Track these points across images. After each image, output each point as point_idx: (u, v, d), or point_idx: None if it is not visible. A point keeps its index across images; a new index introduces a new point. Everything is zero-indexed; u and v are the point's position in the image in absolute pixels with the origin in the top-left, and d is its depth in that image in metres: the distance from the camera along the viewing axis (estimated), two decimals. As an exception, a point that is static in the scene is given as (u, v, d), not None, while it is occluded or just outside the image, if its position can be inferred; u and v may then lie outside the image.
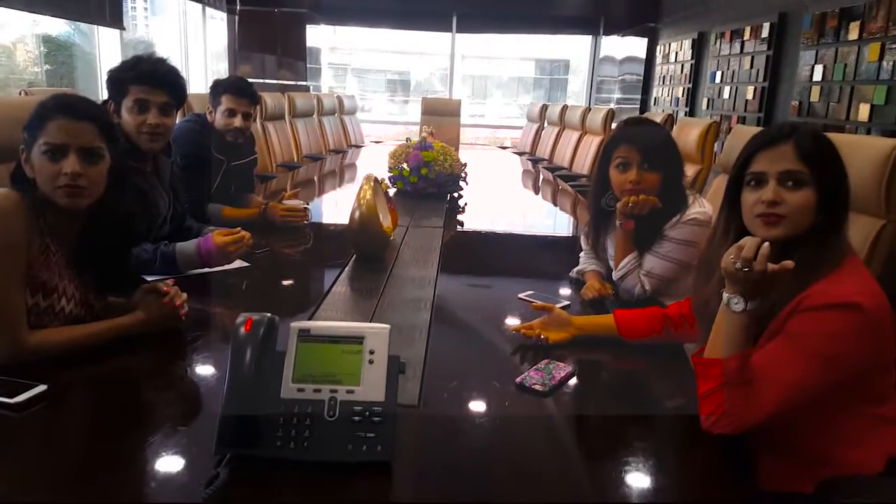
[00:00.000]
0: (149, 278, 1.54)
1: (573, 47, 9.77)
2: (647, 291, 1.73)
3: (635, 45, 7.48)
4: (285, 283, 2.02)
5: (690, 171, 2.83)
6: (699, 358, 1.12)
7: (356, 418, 0.96)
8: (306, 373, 0.99)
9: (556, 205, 3.84)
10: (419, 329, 1.47)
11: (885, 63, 3.15)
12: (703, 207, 1.74)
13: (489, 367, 1.37)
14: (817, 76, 3.75)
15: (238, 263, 1.91)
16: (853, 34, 3.41)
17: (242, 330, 0.97)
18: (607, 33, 8.30)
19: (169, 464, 0.96)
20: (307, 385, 0.98)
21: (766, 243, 1.04)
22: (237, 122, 2.42)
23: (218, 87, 2.46)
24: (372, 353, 1.00)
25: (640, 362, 1.43)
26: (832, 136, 1.22)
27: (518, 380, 1.24)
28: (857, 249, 1.61)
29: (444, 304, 1.66)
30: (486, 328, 1.57)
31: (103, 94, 1.88)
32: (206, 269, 1.81)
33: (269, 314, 0.99)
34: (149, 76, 1.79)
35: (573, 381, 1.27)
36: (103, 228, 1.33)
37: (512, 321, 1.55)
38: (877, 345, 1.09)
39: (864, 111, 3.29)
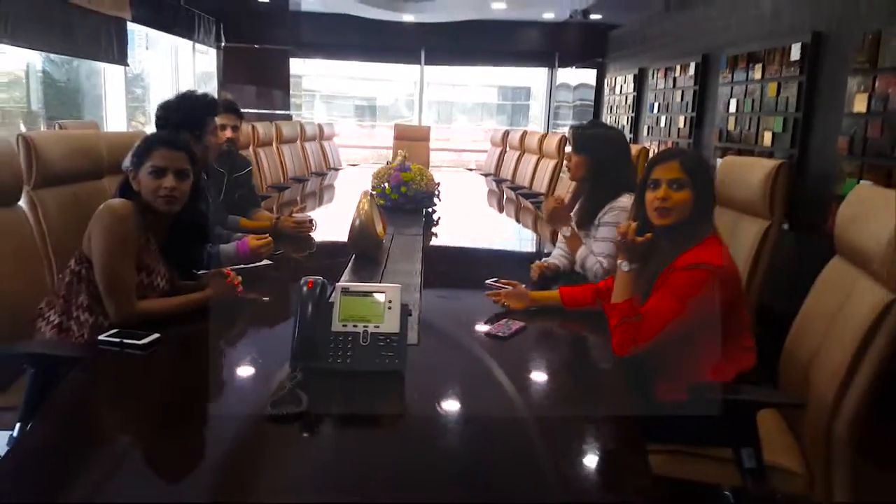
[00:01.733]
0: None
1: (534, 75, 10.42)
2: (606, 268, 2.17)
3: (587, 76, 8.23)
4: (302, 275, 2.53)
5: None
6: (607, 303, 1.69)
7: (380, 343, 1.48)
8: (347, 315, 1.51)
9: (516, 217, 4.42)
10: (412, 303, 1.99)
11: (780, 98, 3.85)
12: (624, 200, 2.23)
13: (466, 323, 1.91)
14: (732, 108, 4.45)
15: (264, 262, 2.43)
16: (757, 74, 4.12)
17: (306, 287, 1.49)
18: (562, 66, 9.03)
19: (254, 378, 1.47)
20: (348, 322, 1.50)
21: (633, 223, 1.63)
22: (228, 133, 2.91)
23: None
24: (390, 302, 1.53)
25: (574, 324, 1.98)
26: (737, 158, 1.81)
27: (486, 329, 1.78)
28: (750, 243, 2.18)
29: (429, 288, 2.20)
30: (462, 303, 2.12)
31: (107, 125, 2.42)
32: (243, 266, 2.33)
33: (321, 278, 1.51)
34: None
35: (524, 332, 1.82)
36: (186, 227, 1.86)
37: (480, 301, 2.07)
38: (722, 292, 1.66)
39: (767, 137, 3.96)
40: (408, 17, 7.82)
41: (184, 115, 2.29)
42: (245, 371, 1.57)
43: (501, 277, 2.24)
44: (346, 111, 13.56)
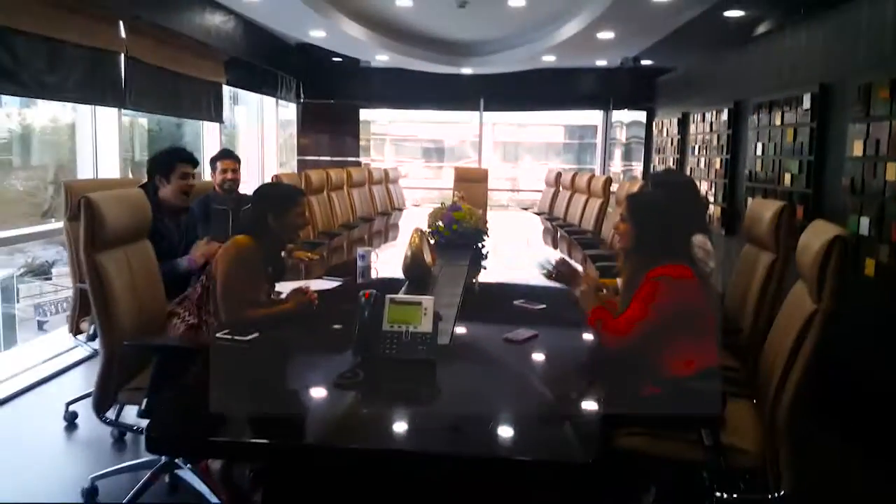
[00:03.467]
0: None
1: (599, 114, 10.70)
2: None
3: (639, 117, 8.67)
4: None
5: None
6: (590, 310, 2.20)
7: (418, 339, 2.01)
8: (394, 318, 2.05)
9: (557, 250, 4.88)
10: (452, 314, 2.52)
11: (796, 143, 4.22)
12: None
13: (492, 331, 2.42)
14: (759, 151, 4.82)
15: (334, 283, 3.02)
16: (777, 120, 4.49)
17: (363, 298, 2.05)
18: (616, 108, 9.48)
19: (328, 363, 2.04)
20: (395, 324, 2.04)
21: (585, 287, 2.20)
22: (228, 176, 3.67)
23: (213, 158, 3.78)
24: (426, 310, 2.06)
25: (578, 336, 2.44)
26: (758, 200, 2.27)
27: (505, 335, 2.29)
28: (760, 273, 2.51)
29: (467, 306, 2.72)
30: (492, 317, 2.64)
31: (205, 173, 3.19)
32: (320, 287, 2.92)
33: (376, 290, 2.07)
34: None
35: (536, 339, 2.31)
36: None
37: (508, 328, 2.44)
38: (680, 297, 2.10)
39: (787, 178, 4.31)
40: (466, 70, 8.52)
41: (154, 162, 3.08)
42: (321, 357, 2.14)
43: (528, 300, 2.73)
44: (415, 153, 14.25)
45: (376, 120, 12.02)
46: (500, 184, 12.98)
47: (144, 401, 2.17)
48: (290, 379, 2.03)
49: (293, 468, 1.66)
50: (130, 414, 2.67)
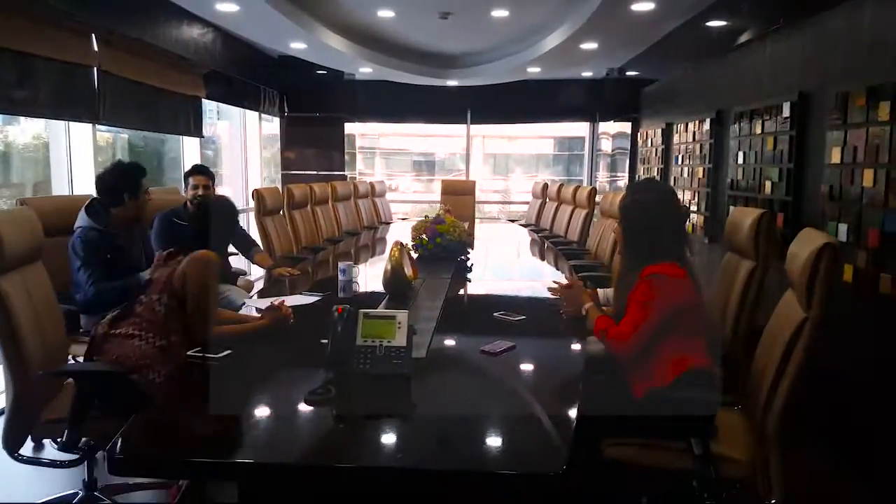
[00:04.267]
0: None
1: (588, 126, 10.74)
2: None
3: (624, 128, 8.70)
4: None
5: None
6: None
7: (392, 353, 1.96)
8: (367, 333, 1.99)
9: (540, 261, 4.85)
10: (430, 328, 2.47)
11: (776, 151, 4.22)
12: None
13: (469, 344, 2.37)
14: (740, 160, 4.82)
15: (313, 298, 2.96)
16: (758, 129, 4.49)
17: (336, 312, 1.99)
18: (602, 120, 9.52)
19: (297, 377, 1.97)
20: (369, 338, 1.98)
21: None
22: (200, 191, 3.60)
23: (186, 174, 3.74)
24: (399, 323, 2.01)
25: (554, 348, 2.40)
26: (739, 209, 2.26)
27: (481, 347, 2.23)
28: (741, 280, 2.49)
29: (446, 319, 2.67)
30: (471, 330, 2.58)
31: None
32: (298, 302, 2.86)
33: (349, 305, 2.02)
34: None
35: (512, 351, 2.26)
36: None
37: (486, 339, 2.50)
38: (674, 294, 2.07)
39: (768, 186, 4.30)
40: (452, 82, 8.52)
41: (119, 180, 3.04)
42: (292, 373, 2.07)
43: (508, 311, 2.69)
44: (406, 167, 14.28)
45: (366, 133, 12.03)
46: (490, 196, 13.04)
47: (66, 432, 2.06)
48: (263, 396, 1.96)
49: (265, 487, 1.60)
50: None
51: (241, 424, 1.73)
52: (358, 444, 1.61)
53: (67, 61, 3.98)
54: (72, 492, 2.50)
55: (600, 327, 2.19)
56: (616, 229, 2.44)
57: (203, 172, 3.70)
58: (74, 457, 2.13)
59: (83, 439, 2.09)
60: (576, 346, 2.37)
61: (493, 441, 1.65)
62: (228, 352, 2.15)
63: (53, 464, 2.22)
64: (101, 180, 3.07)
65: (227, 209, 3.50)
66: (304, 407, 1.77)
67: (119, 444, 1.54)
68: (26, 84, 3.64)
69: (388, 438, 1.66)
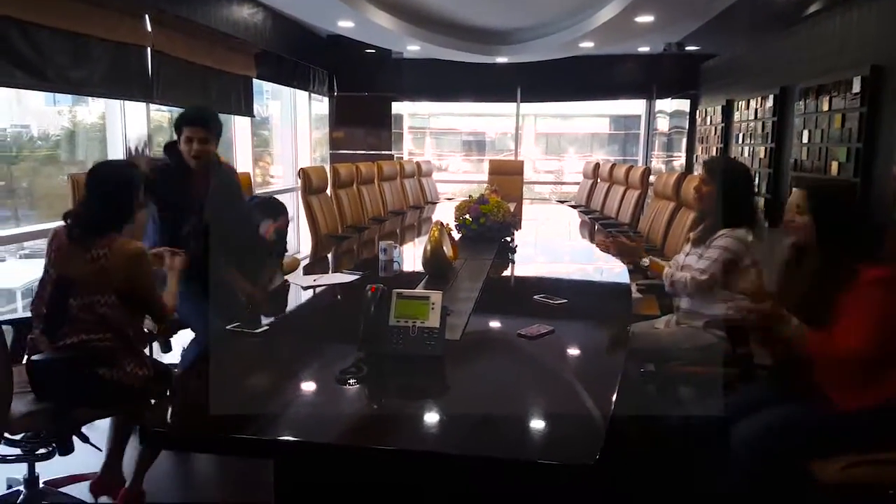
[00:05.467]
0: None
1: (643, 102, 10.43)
2: (698, 281, 2.47)
3: (682, 105, 8.37)
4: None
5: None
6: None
7: (425, 334, 1.92)
8: (401, 313, 1.96)
9: (592, 242, 4.70)
10: (467, 309, 2.42)
11: (844, 129, 3.96)
12: (741, 232, 2.48)
13: (507, 327, 2.32)
14: (805, 139, 4.55)
15: (353, 276, 2.95)
16: (825, 106, 4.22)
17: (369, 292, 1.97)
18: (659, 97, 9.18)
19: (332, 356, 1.96)
20: (402, 318, 1.95)
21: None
22: (195, 146, 2.76)
23: (176, 122, 2.85)
24: (433, 304, 1.97)
25: (595, 333, 2.32)
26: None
27: (519, 331, 2.17)
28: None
29: (484, 301, 2.62)
30: (509, 312, 2.52)
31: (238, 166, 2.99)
32: (338, 280, 2.85)
33: (382, 285, 1.98)
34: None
35: (551, 335, 2.19)
36: None
37: (525, 322, 2.38)
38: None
39: (834, 167, 4.06)
40: (501, 60, 8.35)
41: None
42: (327, 351, 2.07)
43: (549, 294, 2.61)
44: (456, 147, 14.21)
45: (416, 113, 11.95)
46: (542, 177, 12.82)
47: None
48: (297, 373, 1.95)
49: (300, 466, 1.60)
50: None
51: (275, 401, 1.73)
52: (385, 425, 1.59)
53: (121, 42, 4.05)
54: (14, 489, 2.40)
55: (817, 344, 1.90)
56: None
57: (198, 122, 2.80)
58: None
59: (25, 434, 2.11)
60: (618, 332, 2.28)
61: (522, 427, 1.59)
62: (266, 327, 2.16)
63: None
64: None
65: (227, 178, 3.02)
66: (336, 386, 1.75)
67: (157, 417, 1.57)
68: (82, 64, 3.73)
69: (415, 421, 1.63)
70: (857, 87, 3.82)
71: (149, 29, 4.32)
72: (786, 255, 2.07)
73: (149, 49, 4.32)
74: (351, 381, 1.75)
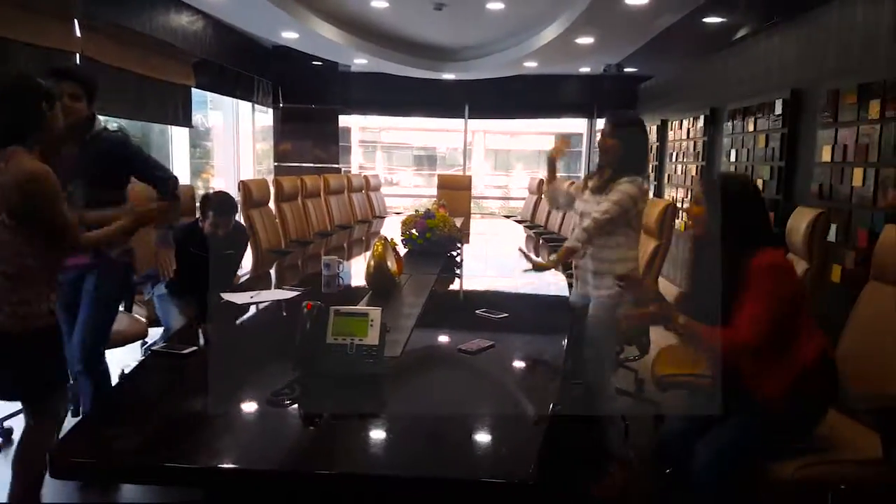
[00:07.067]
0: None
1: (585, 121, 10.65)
2: (589, 227, 2.67)
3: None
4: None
5: (650, 245, 3.30)
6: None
7: (364, 352, 1.89)
8: (339, 331, 1.92)
9: (538, 256, 4.75)
10: (409, 325, 2.40)
11: (768, 149, 4.17)
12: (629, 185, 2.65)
13: (448, 342, 2.31)
14: (732, 157, 4.77)
15: (294, 293, 2.89)
16: (750, 126, 4.44)
17: (305, 309, 1.92)
18: (600, 116, 9.44)
19: (266, 377, 1.91)
20: (339, 336, 1.91)
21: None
22: (66, 102, 2.38)
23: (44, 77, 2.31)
24: (372, 321, 1.94)
25: (533, 346, 2.34)
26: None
27: (459, 346, 2.17)
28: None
29: (427, 317, 2.60)
30: (451, 327, 2.51)
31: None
32: (278, 297, 2.79)
33: (319, 301, 1.95)
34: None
35: (492, 350, 2.19)
36: None
37: (466, 337, 2.38)
38: (791, 283, 1.96)
39: (759, 184, 4.25)
40: (448, 76, 8.44)
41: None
42: (260, 372, 2.01)
43: (491, 309, 2.62)
44: (407, 161, 14.22)
45: (367, 127, 11.88)
46: (490, 192, 12.96)
47: None
48: (227, 395, 1.88)
49: (230, 493, 1.54)
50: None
51: (202, 425, 1.66)
52: (321, 448, 1.55)
53: (48, 47, 3.88)
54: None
55: (712, 337, 1.90)
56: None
57: (68, 76, 2.49)
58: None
59: None
60: (557, 345, 2.30)
61: (462, 445, 1.58)
62: (194, 348, 2.08)
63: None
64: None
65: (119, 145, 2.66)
66: (268, 408, 1.70)
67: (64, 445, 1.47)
68: (4, 69, 3.55)
69: (353, 443, 1.59)
70: (778, 109, 4.02)
71: (78, 34, 4.16)
72: (690, 251, 2.14)
73: (77, 55, 4.16)
74: (285, 402, 1.71)
